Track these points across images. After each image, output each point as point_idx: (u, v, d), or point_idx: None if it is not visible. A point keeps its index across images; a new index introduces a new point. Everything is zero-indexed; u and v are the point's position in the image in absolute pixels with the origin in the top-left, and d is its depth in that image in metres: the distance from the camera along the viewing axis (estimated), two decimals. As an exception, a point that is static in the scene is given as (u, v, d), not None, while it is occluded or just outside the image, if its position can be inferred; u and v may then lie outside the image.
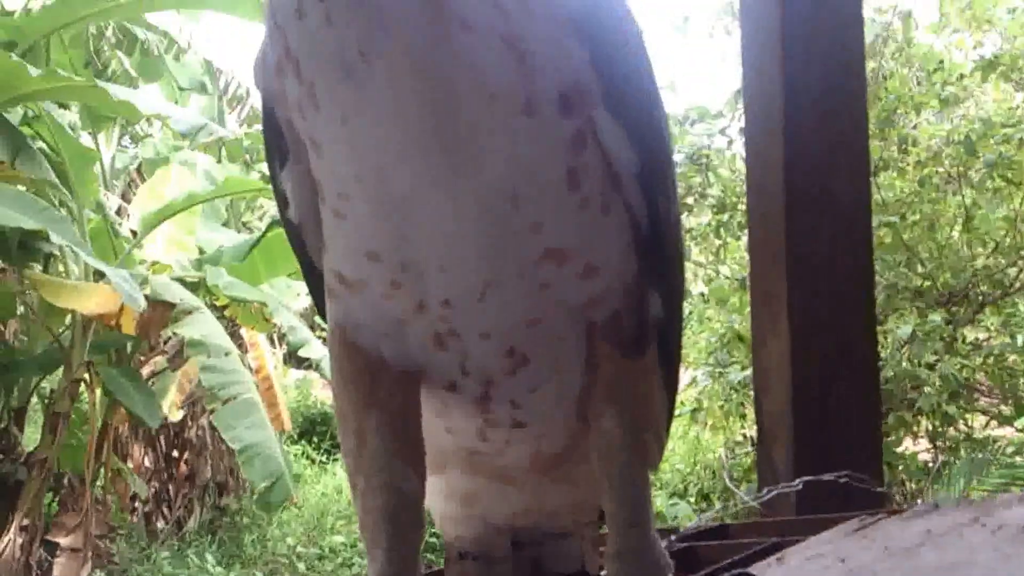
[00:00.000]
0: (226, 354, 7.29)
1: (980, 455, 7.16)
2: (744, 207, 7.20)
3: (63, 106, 8.32)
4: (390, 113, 1.11)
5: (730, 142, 7.95)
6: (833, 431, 1.82)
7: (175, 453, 10.39)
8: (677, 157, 7.64)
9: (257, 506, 8.80)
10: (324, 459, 13.18)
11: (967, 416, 7.50)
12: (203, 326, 7.36)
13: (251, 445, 7.03)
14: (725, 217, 7.55)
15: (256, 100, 10.97)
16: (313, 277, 1.37)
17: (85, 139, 8.55)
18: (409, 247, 1.18)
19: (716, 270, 8.32)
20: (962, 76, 7.10)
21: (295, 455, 12.20)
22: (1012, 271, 7.45)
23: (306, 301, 11.54)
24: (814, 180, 2.33)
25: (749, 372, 6.43)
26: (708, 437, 9.49)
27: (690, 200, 7.95)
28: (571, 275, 1.21)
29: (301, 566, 9.94)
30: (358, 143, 1.14)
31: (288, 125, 1.22)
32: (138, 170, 10.90)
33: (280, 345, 13.39)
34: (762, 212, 2.43)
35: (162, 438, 10.20)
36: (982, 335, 7.96)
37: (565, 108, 1.14)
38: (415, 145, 1.12)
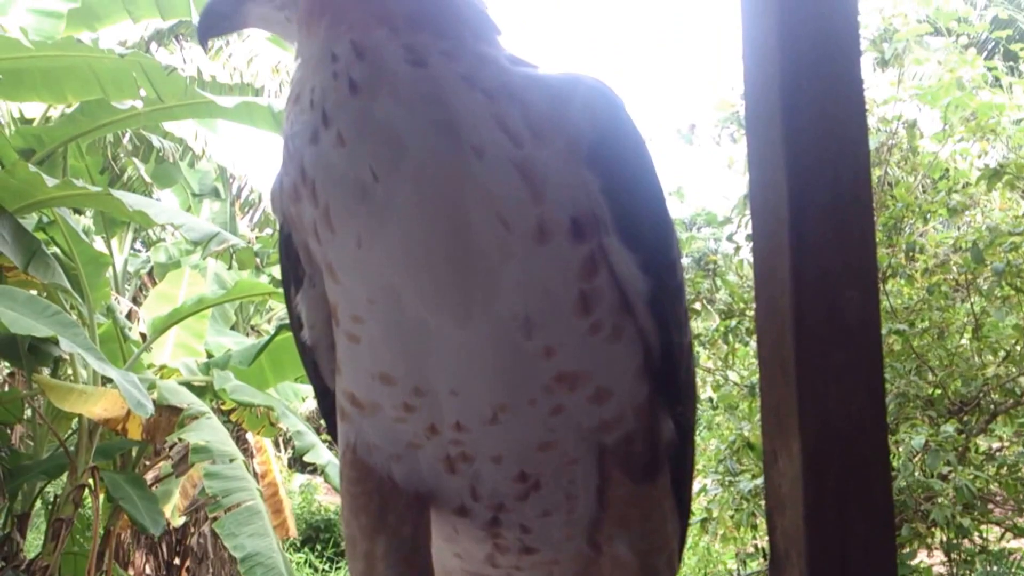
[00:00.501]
0: (231, 460, 7.22)
1: (995, 568, 7.01)
2: (752, 313, 7.21)
3: (78, 211, 8.43)
4: (403, 236, 1.12)
5: (737, 248, 8.00)
6: (848, 553, 1.78)
7: (176, 560, 10.22)
8: (684, 262, 7.68)
9: (258, 617, 8.60)
10: (327, 567, 12.94)
11: (982, 528, 7.35)
12: (209, 432, 7.31)
13: (253, 554, 6.90)
14: (733, 323, 7.54)
15: (268, 204, 11.14)
16: (325, 399, 1.37)
17: (98, 244, 8.64)
18: (422, 371, 1.19)
19: (725, 376, 8.27)
20: (967, 184, 7.15)
21: (298, 563, 11.99)
22: (1023, 380, 7.38)
23: (312, 404, 11.48)
24: (823, 290, 2.30)
25: (760, 481, 6.33)
26: (719, 548, 9.31)
27: (698, 305, 7.96)
28: (583, 399, 1.21)
29: None
30: (372, 266, 1.15)
31: (304, 249, 1.24)
32: (149, 273, 11.00)
33: (285, 449, 13.30)
34: (770, 323, 2.41)
35: (164, 545, 10.05)
36: (995, 444, 7.86)
37: (576, 234, 1.16)
38: (428, 269, 1.13)
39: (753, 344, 7.42)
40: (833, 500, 1.87)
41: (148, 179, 9.39)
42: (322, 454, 7.85)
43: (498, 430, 1.21)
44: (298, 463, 16.38)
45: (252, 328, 12.07)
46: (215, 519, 7.30)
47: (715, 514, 7.66)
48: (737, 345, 7.78)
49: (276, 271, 10.84)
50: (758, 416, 7.34)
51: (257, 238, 10.58)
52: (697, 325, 8.13)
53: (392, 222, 1.12)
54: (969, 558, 7.11)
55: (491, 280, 1.14)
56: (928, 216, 7.16)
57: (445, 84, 1.11)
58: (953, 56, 7.32)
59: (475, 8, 1.21)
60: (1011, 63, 10.13)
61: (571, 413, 1.22)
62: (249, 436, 9.90)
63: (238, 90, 8.95)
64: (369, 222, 1.13)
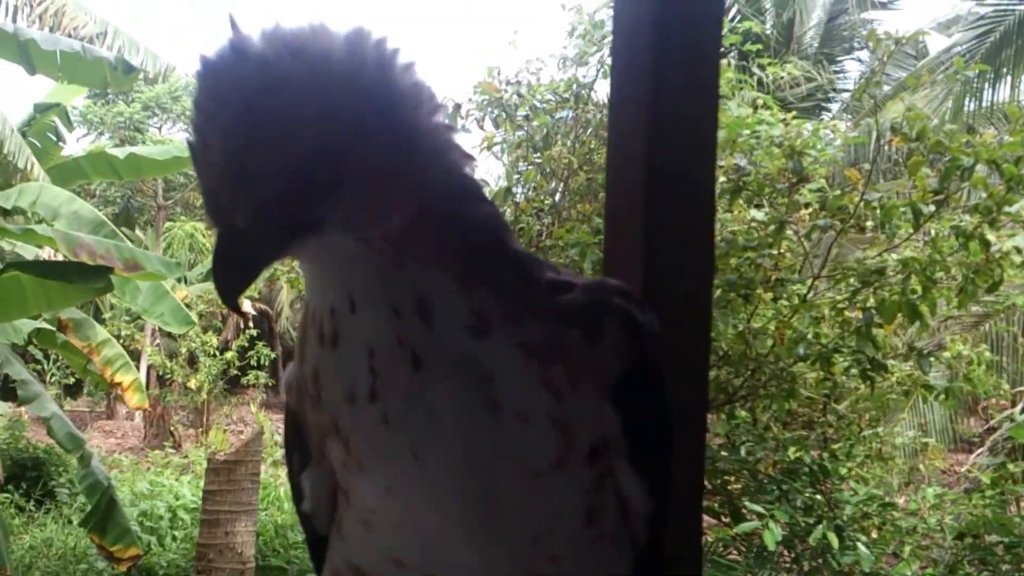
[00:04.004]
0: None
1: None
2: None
3: None
4: (433, 488, 1.18)
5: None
6: None
7: None
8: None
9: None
10: (34, 508, 12.18)
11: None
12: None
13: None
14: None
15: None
16: (317, 545, 1.41)
17: None
18: (434, 562, 1.25)
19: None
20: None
21: (2, 503, 11.18)
22: (737, 381, 8.08)
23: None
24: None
25: None
26: None
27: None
28: None
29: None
30: (397, 499, 1.21)
31: (319, 449, 1.26)
32: None
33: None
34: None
35: None
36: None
37: (592, 458, 1.24)
38: (452, 510, 1.19)
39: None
40: None
41: None
42: (47, 406, 7.39)
43: None
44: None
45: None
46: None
47: None
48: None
49: None
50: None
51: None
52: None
53: (424, 479, 1.17)
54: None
55: (512, 509, 1.21)
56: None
57: (503, 357, 1.14)
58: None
59: (512, 246, 1.20)
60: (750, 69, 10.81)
61: None
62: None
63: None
64: (399, 478, 1.18)
